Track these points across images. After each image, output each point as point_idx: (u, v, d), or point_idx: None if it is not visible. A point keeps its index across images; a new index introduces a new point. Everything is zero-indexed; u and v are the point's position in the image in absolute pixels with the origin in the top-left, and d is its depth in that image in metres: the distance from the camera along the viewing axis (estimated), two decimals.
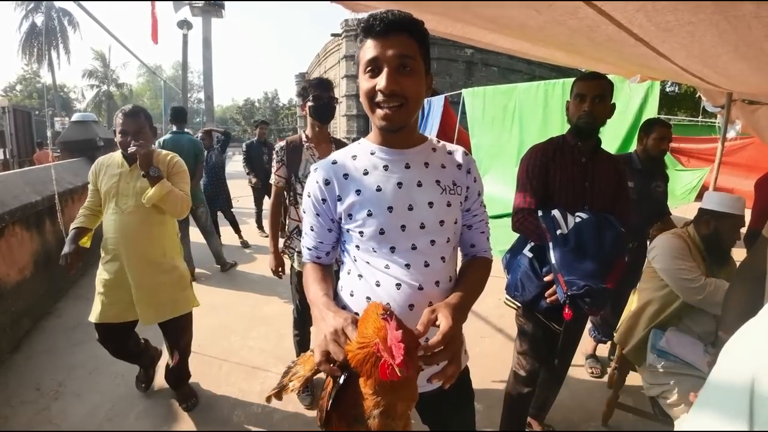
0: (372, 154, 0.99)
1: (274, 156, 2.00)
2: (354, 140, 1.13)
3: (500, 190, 5.29)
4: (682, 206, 4.85)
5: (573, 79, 1.72)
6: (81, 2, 4.13)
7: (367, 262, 0.98)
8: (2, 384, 2.37)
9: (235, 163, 17.01)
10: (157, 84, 38.34)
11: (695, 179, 5.18)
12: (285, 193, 2.03)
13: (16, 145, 10.34)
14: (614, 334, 2.09)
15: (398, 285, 0.94)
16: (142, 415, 2.14)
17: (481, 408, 2.13)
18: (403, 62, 0.87)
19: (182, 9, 15.10)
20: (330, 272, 1.10)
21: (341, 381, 0.79)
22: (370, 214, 0.95)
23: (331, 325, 0.83)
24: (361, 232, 0.96)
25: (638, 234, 2.39)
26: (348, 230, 1.00)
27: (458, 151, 1.06)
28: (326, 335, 0.82)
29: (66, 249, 1.89)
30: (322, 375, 0.87)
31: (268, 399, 0.94)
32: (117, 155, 2.00)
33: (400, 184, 0.96)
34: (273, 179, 2.00)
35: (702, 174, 5.17)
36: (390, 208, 0.95)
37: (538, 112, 5.01)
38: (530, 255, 1.65)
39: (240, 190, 7.16)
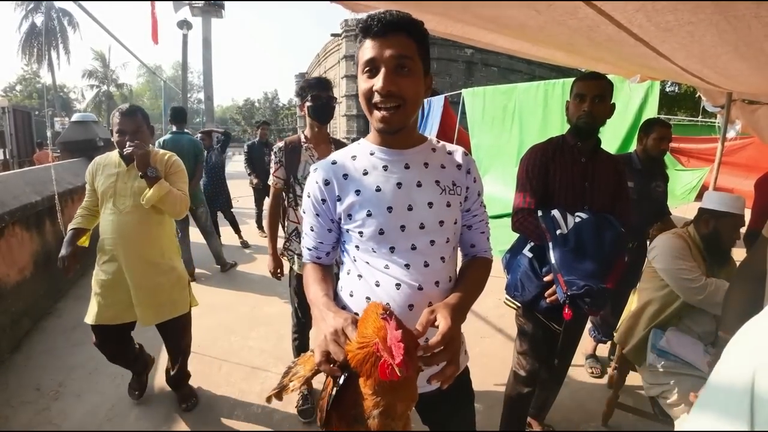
0: (371, 154, 0.99)
1: (273, 157, 1.97)
2: (353, 140, 1.13)
3: (500, 190, 5.29)
4: (682, 206, 4.85)
5: (573, 79, 1.72)
6: (81, 2, 4.13)
7: (367, 263, 0.98)
8: (2, 384, 2.37)
9: (235, 164, 17.03)
10: (157, 84, 38.34)
11: (695, 179, 5.18)
12: (284, 194, 2.00)
13: (16, 146, 10.34)
14: (614, 334, 2.09)
15: (398, 285, 0.94)
16: (142, 415, 2.14)
17: (481, 408, 2.13)
18: (401, 63, 0.87)
19: (182, 9, 15.10)
20: (330, 272, 1.09)
21: (341, 381, 0.79)
22: (369, 215, 0.95)
23: (331, 326, 0.83)
24: (360, 233, 0.96)
25: (638, 234, 2.39)
26: (347, 230, 1.00)
27: (458, 152, 1.06)
28: (326, 335, 0.82)
29: (63, 252, 1.87)
30: (321, 376, 0.87)
31: (269, 399, 0.95)
32: (114, 155, 1.98)
33: (399, 185, 0.96)
34: (271, 180, 1.98)
35: (702, 174, 5.17)
36: (389, 209, 0.95)
37: (538, 112, 5.01)
38: (530, 255, 1.65)
39: (240, 190, 7.17)
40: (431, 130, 7.28)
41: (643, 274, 2.01)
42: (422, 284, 0.95)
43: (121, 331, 2.00)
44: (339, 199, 0.98)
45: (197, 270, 4.23)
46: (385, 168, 0.97)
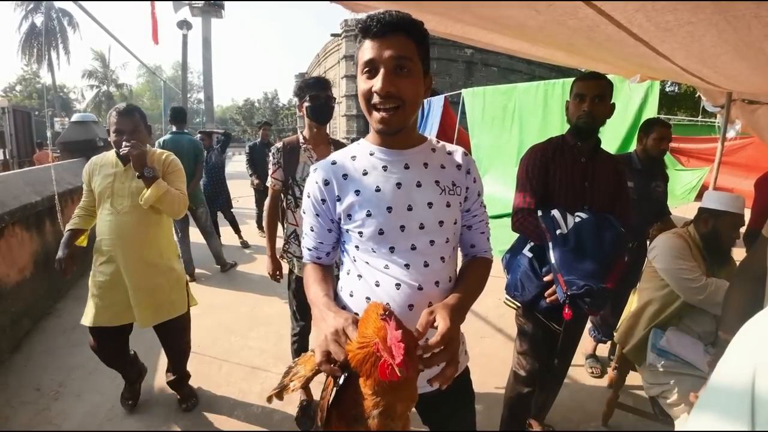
0: (371, 154, 0.99)
1: (271, 158, 1.94)
2: (353, 141, 1.13)
3: (500, 190, 5.29)
4: (681, 206, 4.85)
5: (573, 79, 1.72)
6: (81, 3, 4.13)
7: (367, 263, 0.98)
8: (2, 384, 2.37)
9: (234, 164, 17.04)
10: (157, 84, 38.33)
11: (695, 179, 5.17)
12: (282, 196, 1.97)
13: (15, 146, 10.34)
14: (614, 334, 2.09)
15: (398, 285, 0.94)
16: (142, 415, 2.14)
17: (481, 408, 2.13)
18: (400, 63, 0.87)
19: (182, 9, 15.10)
20: (330, 273, 1.09)
21: (341, 381, 0.79)
22: (369, 215, 0.95)
23: (331, 325, 0.83)
24: (360, 233, 0.96)
25: (638, 234, 2.39)
26: (347, 230, 1.00)
27: (458, 152, 1.06)
28: (327, 335, 0.82)
29: (60, 253, 1.86)
30: (322, 376, 0.87)
31: (269, 399, 0.95)
32: (111, 155, 1.96)
33: (399, 185, 0.96)
34: (269, 182, 1.94)
35: (702, 174, 5.17)
36: (389, 209, 0.95)
37: (538, 112, 5.01)
38: (530, 255, 1.66)
39: (240, 190, 7.17)
40: (431, 130, 7.28)
41: (643, 273, 2.01)
42: (422, 284, 0.95)
43: (118, 333, 1.98)
44: (339, 199, 0.98)
45: (197, 270, 4.23)
46: (385, 168, 0.97)
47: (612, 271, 1.51)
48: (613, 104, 1.62)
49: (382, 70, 0.86)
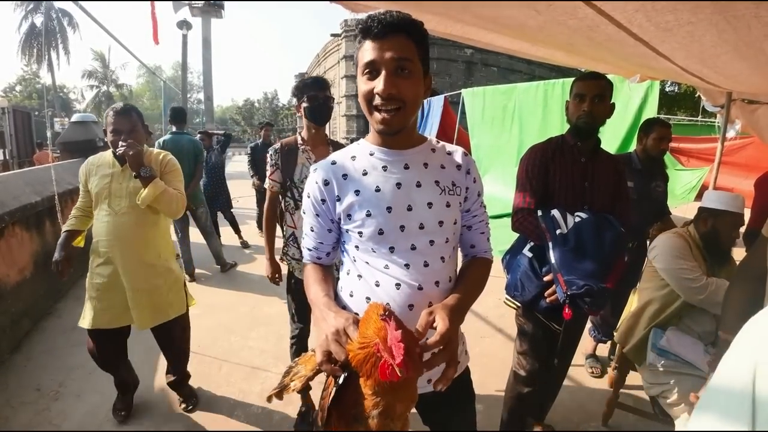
0: (371, 154, 0.99)
1: (268, 159, 1.90)
2: (353, 141, 1.13)
3: (500, 190, 5.29)
4: (681, 206, 4.85)
5: (572, 79, 1.72)
6: (80, 3, 4.13)
7: (367, 263, 0.98)
8: (2, 384, 2.37)
9: (234, 164, 17.03)
10: (157, 84, 38.33)
11: (695, 179, 5.17)
12: (281, 198, 1.94)
13: (15, 146, 10.34)
14: (614, 334, 2.09)
15: (398, 285, 0.95)
16: (142, 415, 2.14)
17: (481, 408, 2.13)
18: (401, 65, 0.87)
19: (182, 9, 15.10)
20: (330, 273, 1.10)
21: (341, 380, 0.79)
22: (369, 215, 0.95)
23: (332, 325, 0.83)
24: (360, 233, 0.96)
25: (638, 234, 2.39)
26: (347, 230, 1.00)
27: (458, 152, 1.06)
28: (328, 335, 0.82)
29: (57, 255, 1.84)
30: (322, 377, 0.87)
31: (269, 399, 0.95)
32: (108, 155, 1.93)
33: (399, 185, 0.96)
34: (267, 183, 1.91)
35: (702, 174, 5.17)
36: (389, 209, 0.95)
37: (538, 112, 5.01)
38: (530, 255, 1.66)
39: (240, 190, 7.17)
40: (431, 130, 7.28)
41: (643, 273, 2.01)
42: (422, 284, 0.95)
43: (117, 334, 1.97)
44: (338, 200, 0.98)
45: (197, 270, 4.23)
46: (385, 168, 0.97)
47: (612, 270, 1.51)
48: (613, 104, 1.62)
49: (383, 72, 0.86)
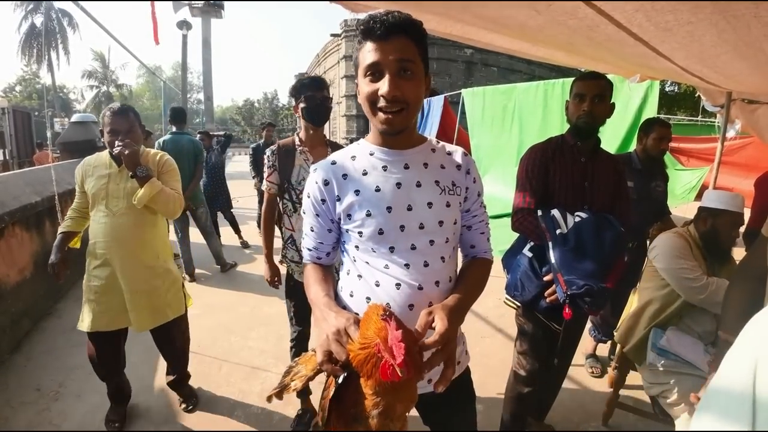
0: (371, 154, 0.99)
1: (266, 161, 1.86)
2: (352, 141, 1.13)
3: (500, 190, 5.29)
4: (681, 206, 4.85)
5: (572, 79, 1.72)
6: (80, 3, 4.13)
7: (367, 263, 0.98)
8: (2, 385, 2.37)
9: (234, 164, 17.04)
10: (157, 85, 38.34)
11: (695, 179, 5.17)
12: (278, 199, 1.91)
13: (15, 146, 10.34)
14: (614, 334, 2.09)
15: (398, 285, 0.95)
16: (142, 415, 2.14)
17: (481, 408, 2.13)
18: (404, 66, 0.87)
19: (181, 9, 15.11)
20: (330, 273, 1.10)
21: (340, 380, 0.79)
22: (369, 215, 0.95)
23: (333, 325, 0.84)
24: (360, 233, 0.96)
25: (638, 234, 2.39)
26: (347, 230, 1.00)
27: (457, 152, 1.06)
28: (328, 335, 0.82)
29: (53, 257, 1.82)
30: (322, 377, 0.87)
31: (269, 398, 0.94)
32: (104, 155, 1.91)
33: (399, 185, 0.96)
34: (265, 185, 1.88)
35: (702, 173, 5.17)
36: (389, 209, 0.95)
37: (538, 112, 5.01)
38: (530, 255, 1.66)
39: (240, 190, 7.17)
40: (431, 130, 7.28)
41: (643, 273, 2.01)
42: (422, 284, 0.95)
43: (115, 336, 1.95)
44: (338, 199, 0.98)
45: (197, 270, 4.23)
46: (385, 168, 0.98)
47: (612, 270, 1.51)
48: (613, 104, 1.62)
49: (387, 74, 0.86)
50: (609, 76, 1.66)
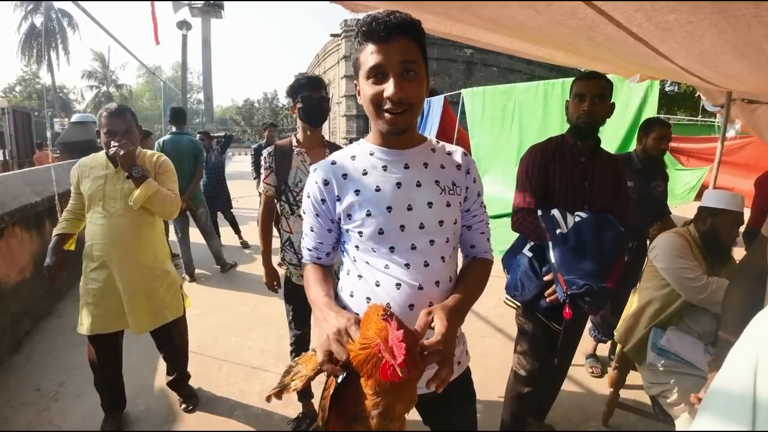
0: (371, 154, 0.99)
1: (263, 162, 1.84)
2: (351, 141, 1.13)
3: (500, 190, 5.29)
4: (681, 205, 4.85)
5: (572, 79, 1.72)
6: (80, 3, 4.13)
7: (367, 263, 0.98)
8: (2, 385, 2.37)
9: (235, 164, 17.03)
10: (157, 85, 38.34)
11: (695, 179, 5.17)
12: (276, 201, 1.88)
13: (15, 146, 10.35)
14: (614, 334, 2.09)
15: (398, 285, 0.94)
16: (142, 415, 2.14)
17: (481, 408, 2.13)
18: (407, 67, 0.87)
19: (181, 10, 15.11)
20: (330, 273, 1.09)
21: (339, 380, 0.79)
22: (369, 214, 0.95)
23: (333, 325, 0.83)
24: (360, 233, 0.96)
25: (638, 233, 2.39)
26: (347, 230, 1.00)
27: (457, 152, 1.06)
28: (329, 335, 0.82)
29: (48, 260, 1.80)
30: (322, 377, 0.87)
31: (268, 398, 0.94)
32: (100, 156, 1.89)
33: (399, 184, 0.96)
34: (262, 187, 1.85)
35: (701, 173, 5.17)
36: (389, 208, 0.95)
37: (538, 112, 5.01)
38: (530, 254, 1.66)
39: (240, 190, 7.17)
40: (431, 130, 7.28)
41: (644, 273, 2.01)
42: (422, 284, 0.95)
43: (115, 338, 1.93)
44: (338, 199, 0.98)
45: (197, 270, 4.23)
46: (385, 168, 0.97)
47: (612, 270, 1.51)
48: (613, 104, 1.62)
49: (392, 76, 0.86)
50: (609, 76, 1.66)
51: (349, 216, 0.98)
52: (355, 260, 1.01)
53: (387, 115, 0.89)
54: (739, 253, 1.60)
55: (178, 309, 2.04)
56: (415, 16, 0.90)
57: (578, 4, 1.11)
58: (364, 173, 0.97)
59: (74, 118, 5.79)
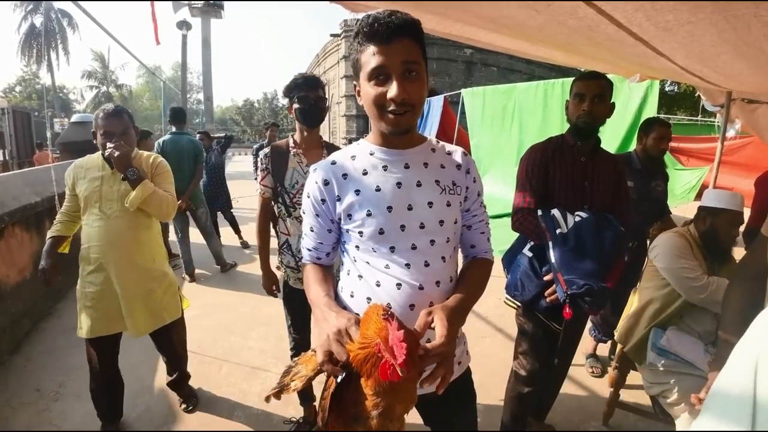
0: (371, 154, 0.99)
1: (259, 164, 1.81)
2: (351, 141, 1.13)
3: (500, 190, 5.29)
4: (681, 205, 4.85)
5: (572, 79, 1.72)
6: (80, 3, 4.13)
7: (367, 263, 0.98)
8: (2, 385, 2.37)
9: (235, 164, 17.03)
10: (157, 85, 38.34)
11: (695, 178, 5.17)
12: (273, 204, 1.84)
13: (15, 146, 10.36)
14: (614, 334, 2.09)
15: (399, 285, 0.94)
16: (142, 416, 2.14)
17: (482, 408, 2.13)
18: (410, 68, 0.87)
19: (181, 10, 15.11)
20: (330, 273, 1.09)
21: (339, 379, 0.79)
22: (369, 214, 0.95)
23: (333, 325, 0.83)
24: (360, 233, 0.96)
25: (638, 233, 2.39)
26: (347, 230, 1.00)
27: (457, 152, 1.06)
28: (329, 335, 0.82)
29: (43, 263, 1.77)
30: (322, 377, 0.87)
31: (267, 399, 0.94)
32: (96, 157, 1.87)
33: (399, 184, 0.96)
34: (258, 189, 1.81)
35: (701, 173, 5.17)
36: (389, 208, 0.95)
37: (538, 112, 5.01)
38: (530, 254, 1.66)
39: (240, 190, 7.17)
40: (431, 130, 7.28)
41: (644, 273, 2.01)
42: (423, 284, 0.95)
43: (113, 341, 1.91)
44: (338, 199, 0.98)
45: (197, 270, 4.23)
46: (385, 168, 0.97)
47: (612, 270, 1.51)
48: (613, 104, 1.62)
49: (395, 77, 0.86)
50: (609, 76, 1.66)
51: (349, 216, 0.98)
52: (355, 260, 1.01)
53: (390, 116, 0.89)
54: (739, 252, 1.60)
55: (177, 311, 2.03)
56: (415, 16, 0.90)
57: (578, 4, 1.11)
58: (365, 173, 0.97)
59: (74, 118, 5.80)
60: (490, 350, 2.81)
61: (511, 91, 5.61)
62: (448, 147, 1.07)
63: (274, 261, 1.99)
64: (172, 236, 4.19)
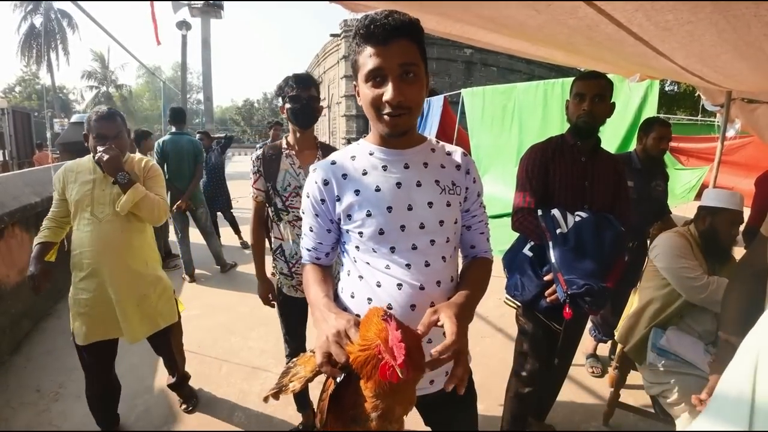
0: (371, 154, 0.99)
1: (251, 167, 1.75)
2: (350, 141, 1.13)
3: (500, 190, 5.29)
4: (681, 205, 4.85)
5: (572, 79, 1.72)
6: (80, 3, 4.13)
7: (367, 263, 0.98)
8: (2, 385, 2.37)
9: (234, 164, 17.04)
10: (157, 85, 38.32)
11: (695, 178, 5.17)
12: (266, 207, 1.79)
13: (15, 147, 10.37)
14: (615, 334, 2.09)
15: (399, 285, 0.94)
16: (142, 416, 2.14)
17: (482, 408, 2.13)
18: (407, 69, 0.86)
19: (181, 10, 15.11)
20: (330, 273, 1.09)
21: (338, 380, 0.79)
22: (369, 215, 0.95)
23: (333, 326, 0.83)
24: (360, 233, 0.96)
25: (638, 233, 2.39)
26: (347, 231, 1.00)
27: (457, 152, 1.06)
28: (328, 336, 0.82)
29: (32, 269, 1.71)
30: (322, 377, 0.87)
31: (266, 399, 0.94)
32: (87, 160, 1.83)
33: (399, 184, 0.96)
34: (251, 193, 1.75)
35: (701, 173, 5.17)
36: (389, 208, 0.95)
37: (538, 112, 5.01)
38: (530, 254, 1.66)
39: (240, 190, 7.16)
40: (431, 130, 7.28)
41: (644, 272, 2.01)
42: (424, 284, 0.95)
43: (111, 347, 1.88)
44: (338, 199, 0.98)
45: (197, 270, 4.23)
46: (385, 168, 0.97)
47: (612, 270, 1.51)
48: (613, 103, 1.62)
49: (391, 79, 0.85)
50: (609, 76, 1.66)
51: (349, 216, 0.97)
52: (355, 261, 1.01)
53: (387, 118, 0.89)
54: (739, 252, 1.59)
55: (172, 316, 1.99)
56: (415, 16, 0.89)
57: (578, 4, 1.10)
58: (364, 173, 0.97)
59: (74, 118, 5.80)
60: (490, 350, 2.81)
61: (510, 91, 5.61)
62: (448, 147, 1.06)
63: (268, 269, 1.94)
64: (172, 236, 4.19)
